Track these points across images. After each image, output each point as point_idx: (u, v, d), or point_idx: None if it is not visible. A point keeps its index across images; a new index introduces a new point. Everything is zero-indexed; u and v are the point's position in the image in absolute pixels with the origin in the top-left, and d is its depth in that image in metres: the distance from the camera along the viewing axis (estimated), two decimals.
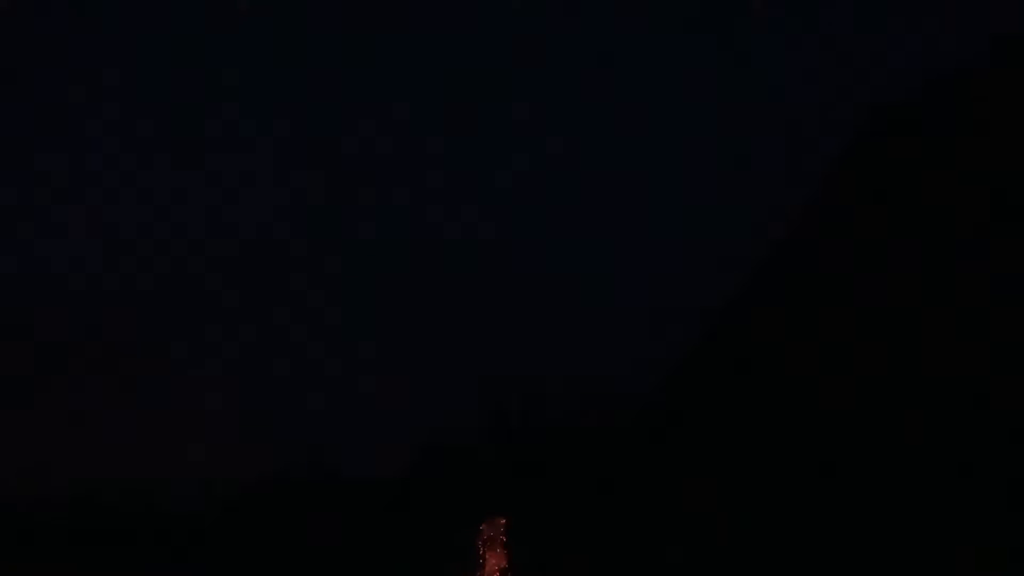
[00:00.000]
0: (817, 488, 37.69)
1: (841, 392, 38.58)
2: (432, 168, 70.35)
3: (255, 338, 61.93)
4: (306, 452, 51.74)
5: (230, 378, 59.55)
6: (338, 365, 60.36)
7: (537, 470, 46.43)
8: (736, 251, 50.50)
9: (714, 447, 41.73)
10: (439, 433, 50.90)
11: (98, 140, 67.28)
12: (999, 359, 34.59)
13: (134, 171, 67.04)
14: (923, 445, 35.25)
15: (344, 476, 51.16)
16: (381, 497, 49.50)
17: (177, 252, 66.24)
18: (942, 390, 35.49)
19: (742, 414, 41.60)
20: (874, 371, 38.19)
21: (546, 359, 52.70)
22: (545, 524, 43.54)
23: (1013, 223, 35.99)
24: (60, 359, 58.74)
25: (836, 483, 37.27)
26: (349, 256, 66.86)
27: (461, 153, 71.55)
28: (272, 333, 62.16)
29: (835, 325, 40.33)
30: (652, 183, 67.56)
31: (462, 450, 50.02)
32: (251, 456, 53.09)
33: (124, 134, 67.75)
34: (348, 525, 48.01)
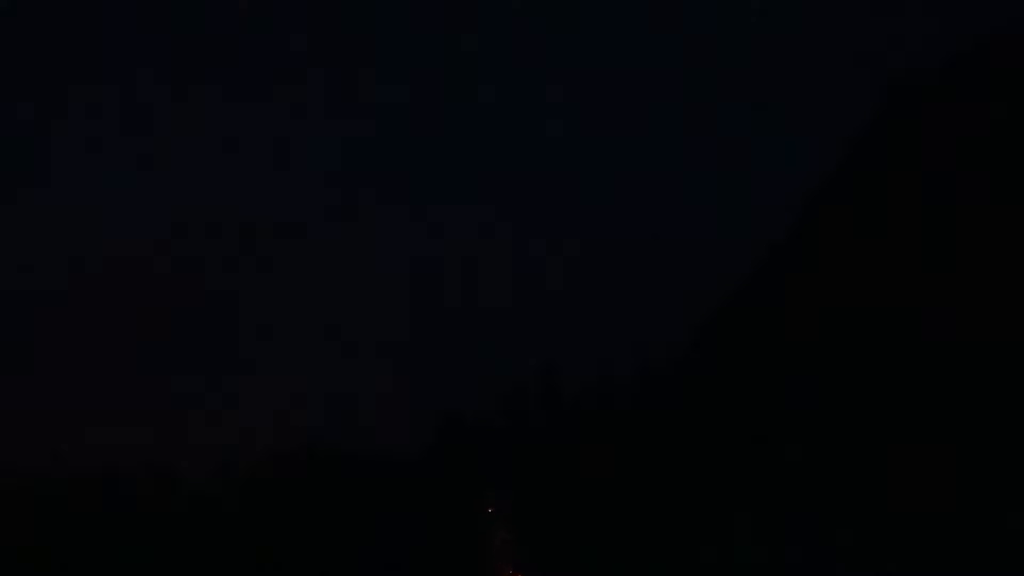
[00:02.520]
0: (813, 479, 37.85)
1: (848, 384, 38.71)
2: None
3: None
4: (325, 431, 52.92)
5: (264, 359, 61.07)
6: (361, 348, 62.21)
7: (547, 450, 47.32)
8: (736, 250, 50.85)
9: (717, 435, 41.89)
10: (453, 414, 52.04)
11: None
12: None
13: None
14: (925, 444, 35.35)
15: (358, 454, 52.07)
16: (396, 474, 50.50)
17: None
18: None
19: (743, 407, 41.71)
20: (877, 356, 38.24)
21: (558, 348, 53.91)
22: (552, 501, 44.29)
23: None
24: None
25: (834, 478, 37.41)
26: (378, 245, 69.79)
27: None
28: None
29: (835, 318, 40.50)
30: (653, 181, 68.05)
31: (474, 429, 51.12)
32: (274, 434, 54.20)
33: None
34: (364, 500, 48.84)
